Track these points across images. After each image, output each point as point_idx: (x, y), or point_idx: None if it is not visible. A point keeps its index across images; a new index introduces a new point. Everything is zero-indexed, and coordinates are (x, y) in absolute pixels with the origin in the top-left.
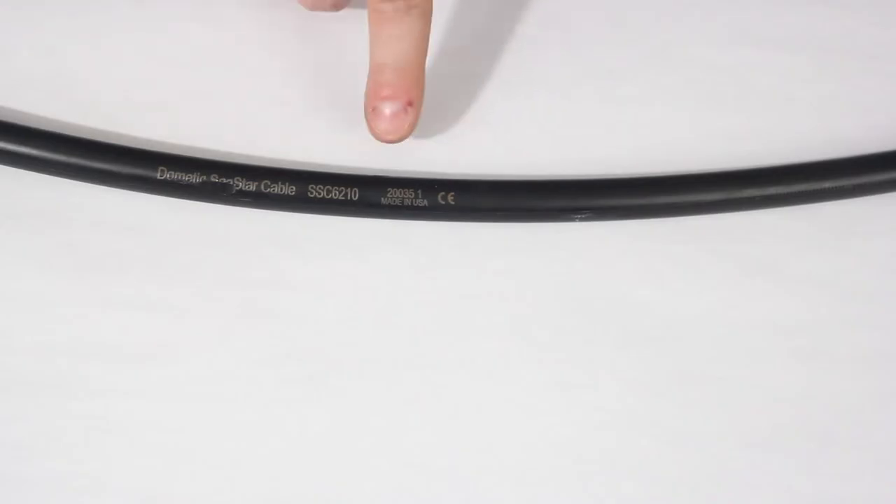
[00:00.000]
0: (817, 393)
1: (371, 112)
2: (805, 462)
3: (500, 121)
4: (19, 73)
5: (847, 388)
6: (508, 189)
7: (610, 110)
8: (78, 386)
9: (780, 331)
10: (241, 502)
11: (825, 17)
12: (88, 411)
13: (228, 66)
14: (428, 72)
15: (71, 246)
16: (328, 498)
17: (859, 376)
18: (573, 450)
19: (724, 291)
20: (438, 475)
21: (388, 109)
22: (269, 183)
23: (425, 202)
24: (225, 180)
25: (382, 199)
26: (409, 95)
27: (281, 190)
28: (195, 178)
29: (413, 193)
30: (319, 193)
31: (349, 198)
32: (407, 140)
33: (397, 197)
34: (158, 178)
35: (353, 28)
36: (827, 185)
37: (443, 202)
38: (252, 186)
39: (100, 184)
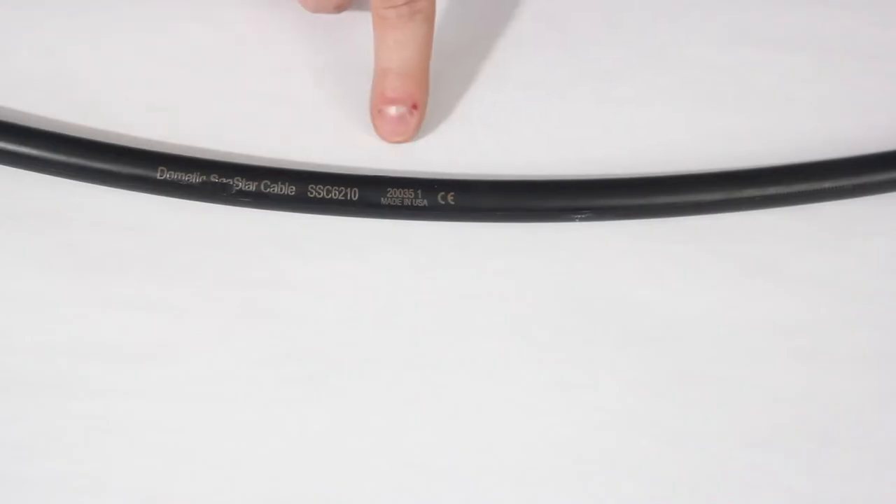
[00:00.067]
0: (817, 393)
1: (377, 114)
2: (805, 462)
3: (499, 121)
4: (19, 73)
5: (847, 388)
6: (508, 189)
7: (609, 110)
8: (78, 386)
9: (780, 331)
10: (241, 502)
11: (825, 17)
12: (88, 411)
13: (228, 66)
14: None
15: (71, 246)
16: (328, 498)
17: (859, 376)
18: (573, 450)
19: (724, 291)
20: (438, 475)
21: (393, 112)
22: (269, 183)
23: (425, 202)
24: (225, 180)
25: (382, 199)
26: (414, 98)
27: (281, 190)
28: (195, 178)
29: (413, 193)
30: (319, 193)
31: (349, 198)
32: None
33: (397, 197)
34: (158, 178)
35: (353, 28)
36: (827, 185)
37: (443, 202)
38: (252, 186)
39: (100, 184)
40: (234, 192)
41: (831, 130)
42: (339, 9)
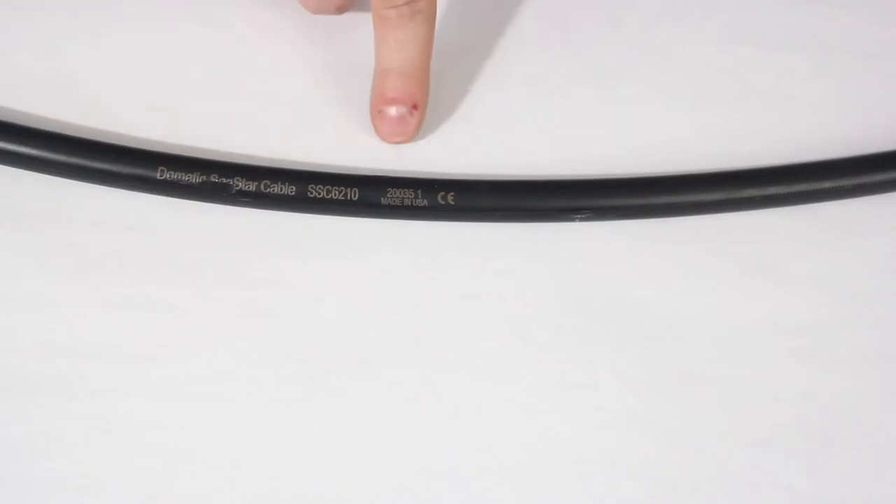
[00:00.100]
0: (817, 393)
1: (377, 115)
2: (805, 462)
3: (499, 121)
4: (19, 73)
5: (847, 388)
6: (508, 189)
7: (609, 109)
8: (78, 386)
9: (780, 331)
10: (241, 502)
11: (825, 16)
12: (88, 411)
13: (228, 66)
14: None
15: (71, 246)
16: (328, 498)
17: (859, 376)
18: (573, 450)
19: (724, 291)
20: (438, 475)
21: (393, 112)
22: (269, 183)
23: (425, 202)
24: (225, 180)
25: (382, 199)
26: (414, 99)
27: (281, 190)
28: (195, 178)
29: (413, 193)
30: (319, 193)
31: (349, 198)
32: None
33: (397, 197)
34: (158, 178)
35: (354, 29)
36: (827, 185)
37: (443, 202)
38: (252, 186)
39: (100, 184)
40: (234, 192)
41: (831, 130)
42: (340, 10)
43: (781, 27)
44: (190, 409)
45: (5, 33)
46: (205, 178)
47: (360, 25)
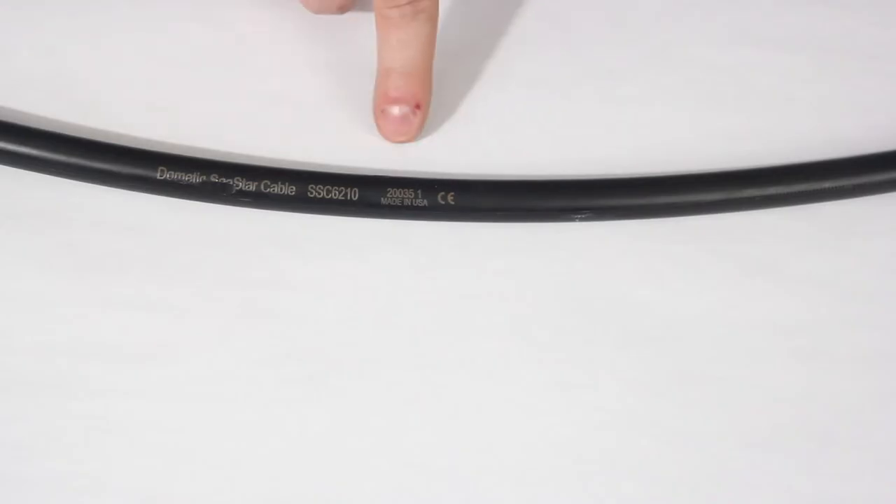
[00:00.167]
0: (817, 393)
1: (380, 114)
2: (805, 462)
3: (500, 121)
4: (19, 73)
5: (847, 388)
6: (508, 189)
7: (610, 110)
8: (78, 386)
9: (780, 331)
10: (241, 502)
11: (825, 17)
12: (88, 411)
13: (228, 66)
14: None
15: (71, 246)
16: (328, 498)
17: (859, 376)
18: (573, 450)
19: (724, 291)
20: (438, 475)
21: (396, 112)
22: (269, 183)
23: (425, 202)
24: (225, 180)
25: (382, 199)
26: (417, 98)
27: (281, 190)
28: (195, 178)
29: (413, 193)
30: (319, 193)
31: (349, 198)
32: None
33: (397, 197)
34: (158, 178)
35: (354, 29)
36: (827, 185)
37: (443, 202)
38: (252, 186)
39: (100, 184)
40: (234, 192)
41: (831, 130)
42: (342, 9)
43: (782, 28)
44: (190, 409)
45: (5, 33)
46: (205, 178)
47: (361, 25)
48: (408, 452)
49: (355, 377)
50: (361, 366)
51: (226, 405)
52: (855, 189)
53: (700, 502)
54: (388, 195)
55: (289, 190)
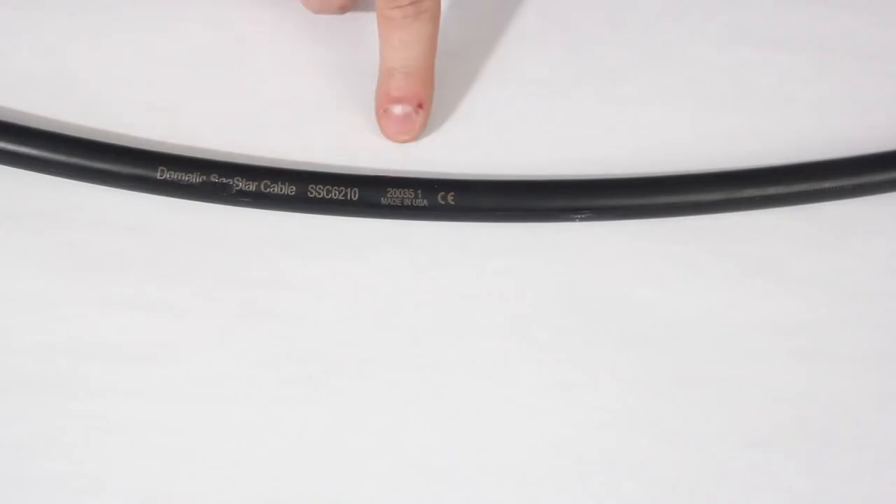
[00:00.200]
0: (817, 393)
1: (382, 114)
2: (805, 462)
3: (500, 121)
4: (19, 73)
5: (847, 388)
6: (508, 189)
7: (610, 110)
8: (78, 386)
9: (780, 331)
10: (241, 502)
11: (825, 17)
12: (88, 411)
13: (228, 66)
14: None
15: (71, 246)
16: (328, 498)
17: (859, 376)
18: (573, 450)
19: (724, 291)
20: (438, 475)
21: (398, 111)
22: (269, 183)
23: (425, 202)
24: (225, 180)
25: (382, 199)
26: (419, 98)
27: (281, 190)
28: (195, 178)
29: (413, 193)
30: (319, 193)
31: (349, 198)
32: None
33: (397, 197)
34: (158, 178)
35: (355, 28)
36: (827, 185)
37: (443, 202)
38: (252, 186)
39: (100, 184)
40: (234, 192)
41: (831, 130)
42: (342, 9)
43: (782, 28)
44: (190, 409)
45: (5, 33)
46: (205, 178)
47: (362, 25)
48: (408, 452)
49: (355, 377)
50: (361, 366)
51: (226, 405)
52: (855, 189)
53: (700, 502)
54: (388, 195)
55: (289, 190)
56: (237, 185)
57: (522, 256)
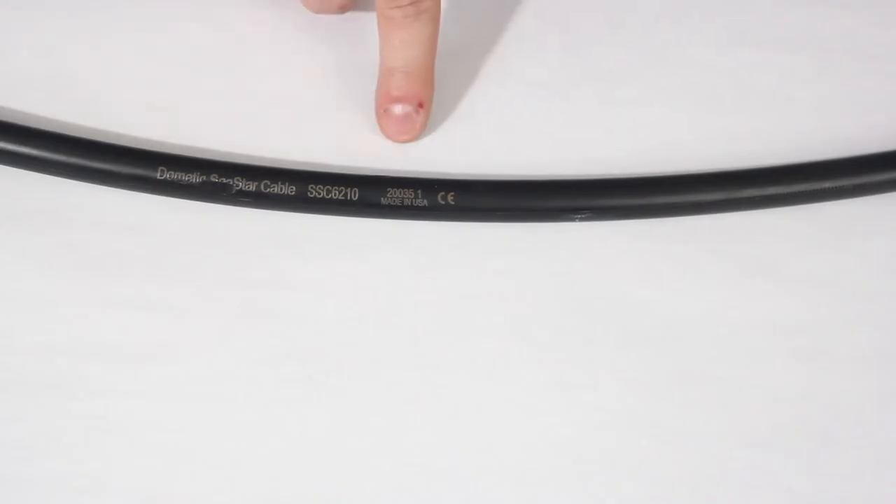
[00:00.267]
0: (817, 393)
1: (382, 114)
2: (805, 462)
3: (500, 121)
4: (19, 73)
5: (847, 388)
6: (508, 189)
7: (610, 111)
8: (78, 386)
9: (780, 331)
10: (241, 502)
11: (825, 17)
12: (88, 411)
13: (228, 66)
14: None
15: (71, 246)
16: (328, 498)
17: (859, 376)
18: (573, 450)
19: (724, 291)
20: (438, 475)
21: (399, 111)
22: (269, 183)
23: (425, 202)
24: (225, 180)
25: (382, 199)
26: (419, 97)
27: (281, 190)
28: (195, 178)
29: (413, 193)
30: (319, 193)
31: (349, 198)
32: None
33: (397, 197)
34: (158, 178)
35: (355, 28)
36: (827, 185)
37: (443, 202)
38: (252, 186)
39: (100, 184)
40: (234, 192)
41: (831, 130)
42: (342, 9)
43: (782, 29)
44: (190, 409)
45: (5, 33)
46: (205, 178)
47: (362, 25)
48: (408, 452)
49: (355, 377)
50: (361, 366)
51: (226, 405)
52: (855, 189)
53: (700, 502)
54: (388, 195)
55: (289, 190)
56: (237, 185)
57: (522, 256)
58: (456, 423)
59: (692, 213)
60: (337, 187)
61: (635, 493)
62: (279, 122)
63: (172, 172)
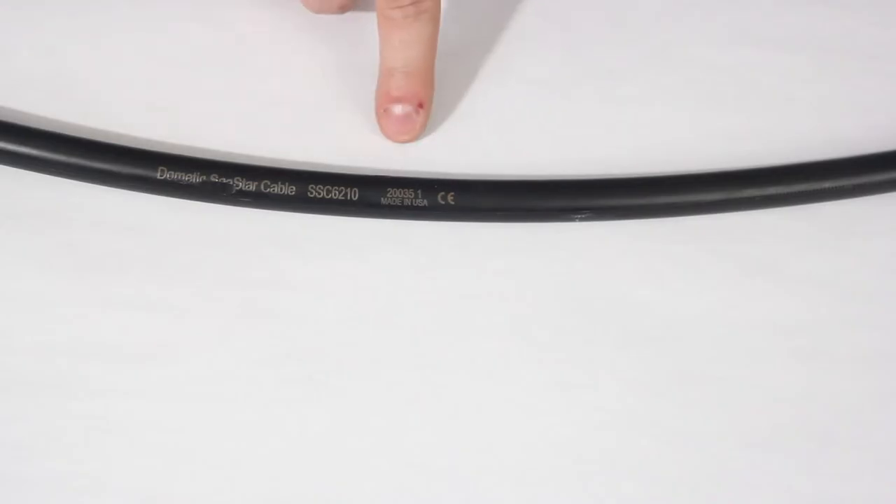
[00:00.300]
0: (817, 393)
1: (382, 114)
2: (805, 462)
3: (500, 121)
4: (19, 73)
5: (847, 388)
6: (508, 189)
7: (610, 110)
8: (78, 386)
9: (780, 331)
10: (241, 502)
11: (825, 17)
12: (88, 411)
13: (228, 66)
14: None
15: (71, 246)
16: (328, 498)
17: (859, 376)
18: (573, 450)
19: (724, 291)
20: (438, 475)
21: (399, 111)
22: (269, 183)
23: (425, 202)
24: (225, 180)
25: (382, 199)
26: (420, 97)
27: (281, 190)
28: (195, 178)
29: (413, 193)
30: (319, 193)
31: (349, 198)
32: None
33: (397, 197)
34: (158, 178)
35: (355, 28)
36: (827, 185)
37: (443, 202)
38: (252, 186)
39: (100, 184)
40: (234, 192)
41: (831, 130)
42: (342, 9)
43: (782, 28)
44: (190, 409)
45: (5, 33)
46: (205, 178)
47: (362, 25)
48: (408, 452)
49: (355, 377)
50: (361, 366)
51: (226, 405)
52: (855, 189)
53: (700, 502)
54: (388, 195)
55: (289, 190)
56: (237, 185)
57: (522, 256)
58: (456, 423)
59: (692, 213)
60: (337, 187)
61: (635, 493)
62: (279, 122)
63: (172, 172)
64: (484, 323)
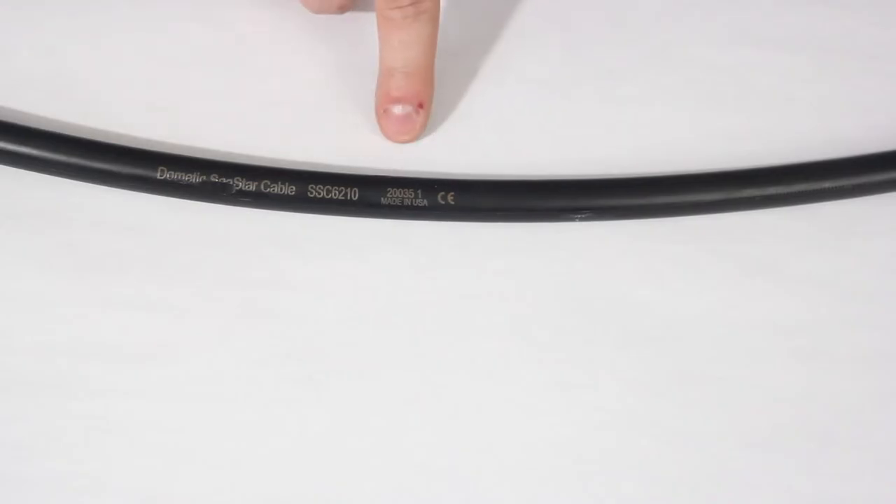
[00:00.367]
0: (817, 393)
1: (382, 114)
2: (805, 462)
3: (500, 120)
4: (19, 73)
5: (847, 388)
6: (508, 189)
7: (610, 110)
8: (78, 386)
9: (780, 331)
10: (241, 502)
11: (825, 17)
12: (88, 411)
13: (228, 66)
14: None
15: (71, 246)
16: (328, 498)
17: (859, 376)
18: (573, 450)
19: (724, 291)
20: (438, 475)
21: (399, 111)
22: (269, 183)
23: (425, 202)
24: (225, 180)
25: (382, 199)
26: (420, 97)
27: (281, 190)
28: (195, 178)
29: (413, 193)
30: (319, 193)
31: (349, 198)
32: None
33: (397, 197)
34: (158, 178)
35: (355, 28)
36: (827, 185)
37: (443, 202)
38: (252, 186)
39: (100, 184)
40: (234, 192)
41: (831, 130)
42: (341, 9)
43: (782, 28)
44: (190, 409)
45: (5, 33)
46: (205, 178)
47: (362, 25)
48: (408, 452)
49: (355, 377)
50: (361, 366)
51: (226, 405)
52: (855, 189)
53: (700, 502)
54: (388, 195)
55: (289, 190)
56: (237, 185)
57: (522, 256)
58: (456, 423)
59: (692, 213)
60: (337, 187)
61: (635, 493)
62: (279, 122)
63: (172, 172)
64: (484, 323)
